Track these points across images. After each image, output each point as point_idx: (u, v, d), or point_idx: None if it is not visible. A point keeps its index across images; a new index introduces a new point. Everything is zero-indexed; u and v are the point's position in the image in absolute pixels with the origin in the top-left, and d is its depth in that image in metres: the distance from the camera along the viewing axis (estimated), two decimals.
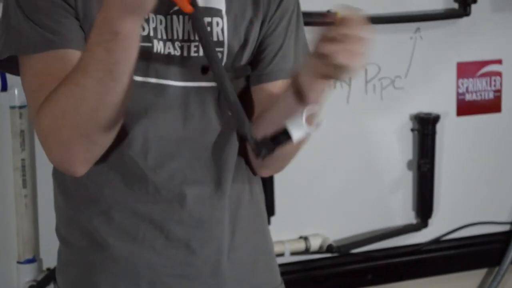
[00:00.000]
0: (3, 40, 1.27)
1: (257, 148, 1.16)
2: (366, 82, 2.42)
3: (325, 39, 1.17)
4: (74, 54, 1.24)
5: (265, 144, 1.16)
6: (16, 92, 1.96)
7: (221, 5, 1.34)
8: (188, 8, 1.16)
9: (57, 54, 1.24)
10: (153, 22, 1.30)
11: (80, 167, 1.24)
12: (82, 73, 1.17)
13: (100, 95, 1.17)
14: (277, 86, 1.36)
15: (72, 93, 1.18)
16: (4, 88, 1.95)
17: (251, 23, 1.36)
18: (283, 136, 1.16)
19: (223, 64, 1.33)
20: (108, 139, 1.23)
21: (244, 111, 1.28)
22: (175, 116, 1.30)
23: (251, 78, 1.39)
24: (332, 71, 1.19)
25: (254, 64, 1.39)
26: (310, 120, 1.17)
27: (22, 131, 1.99)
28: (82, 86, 1.17)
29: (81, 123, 1.19)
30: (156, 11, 1.29)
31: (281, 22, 1.38)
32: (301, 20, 1.43)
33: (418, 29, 2.45)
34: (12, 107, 1.99)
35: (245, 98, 1.39)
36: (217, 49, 1.32)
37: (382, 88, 2.44)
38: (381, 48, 2.40)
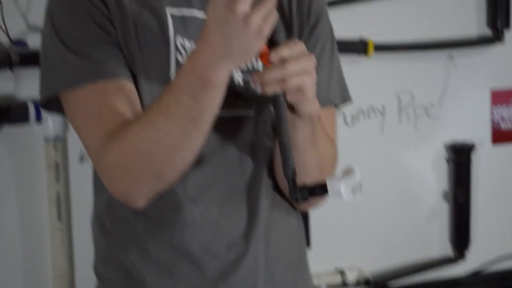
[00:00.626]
0: (48, 77, 1.25)
1: (292, 193, 1.17)
2: (400, 111, 2.39)
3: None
4: (125, 85, 1.22)
5: (302, 192, 1.17)
6: (50, 124, 1.95)
7: None
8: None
9: (109, 84, 1.22)
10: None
11: (143, 201, 1.22)
12: (162, 116, 1.15)
13: (179, 140, 1.15)
14: None
15: (147, 134, 1.16)
16: (39, 119, 1.95)
17: None
18: (320, 189, 1.17)
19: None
20: (177, 178, 1.21)
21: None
22: (213, 145, 1.27)
23: None
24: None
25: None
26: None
27: (56, 163, 1.98)
28: (161, 129, 1.15)
29: (154, 164, 1.17)
30: (191, 35, 1.28)
31: (314, 50, 1.35)
32: (336, 49, 1.41)
33: (451, 56, 2.43)
34: (47, 139, 1.98)
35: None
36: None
37: (416, 117, 2.42)
38: (414, 76, 2.40)
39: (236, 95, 1.30)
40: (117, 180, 1.21)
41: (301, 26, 1.35)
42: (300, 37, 1.35)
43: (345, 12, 2.25)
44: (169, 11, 1.28)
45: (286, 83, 1.12)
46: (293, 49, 1.12)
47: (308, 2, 1.38)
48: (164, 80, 1.25)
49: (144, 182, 1.20)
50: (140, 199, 1.22)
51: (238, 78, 1.30)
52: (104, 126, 1.20)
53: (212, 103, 1.14)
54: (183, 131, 1.14)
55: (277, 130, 1.16)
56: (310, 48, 1.34)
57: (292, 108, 1.17)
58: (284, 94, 1.15)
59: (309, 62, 1.13)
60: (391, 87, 2.38)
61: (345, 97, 1.41)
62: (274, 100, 1.16)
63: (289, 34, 1.34)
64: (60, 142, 1.99)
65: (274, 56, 1.11)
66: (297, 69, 1.12)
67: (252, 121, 1.31)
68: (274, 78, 1.11)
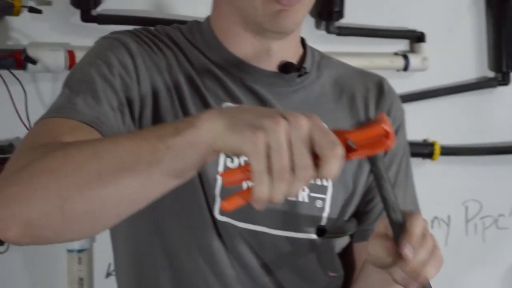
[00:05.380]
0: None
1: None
2: (467, 221, 2.15)
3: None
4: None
5: None
6: None
7: None
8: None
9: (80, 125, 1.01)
10: None
11: (15, 229, 0.88)
12: (110, 142, 0.89)
13: (125, 165, 0.86)
14: None
15: (92, 147, 0.89)
16: None
17: (360, 167, 1.19)
18: None
19: (325, 216, 1.14)
20: (79, 227, 0.90)
21: (344, 271, 1.19)
22: (262, 266, 1.13)
23: (354, 234, 1.22)
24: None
25: (358, 217, 1.21)
26: None
27: (80, 279, 1.74)
28: (109, 149, 0.87)
29: (76, 178, 0.86)
30: None
31: (390, 168, 1.22)
32: (411, 166, 1.26)
33: None
34: (70, 251, 1.75)
35: (345, 256, 1.22)
36: (319, 195, 1.15)
37: (484, 228, 2.18)
38: (483, 182, 2.18)
39: (297, 213, 1.13)
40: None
41: None
42: None
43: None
44: (225, 105, 1.14)
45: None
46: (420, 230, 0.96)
47: (388, 107, 1.23)
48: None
49: (38, 198, 0.86)
50: (14, 222, 0.87)
51: (304, 193, 1.14)
52: (40, 138, 0.96)
53: (182, 157, 0.85)
54: (134, 159, 0.86)
55: None
56: (386, 165, 1.21)
57: None
58: None
59: (435, 247, 0.98)
60: (457, 195, 2.15)
61: None
62: None
63: None
64: (85, 254, 1.74)
65: (407, 251, 0.94)
66: (428, 257, 0.97)
67: (314, 246, 1.14)
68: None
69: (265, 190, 0.79)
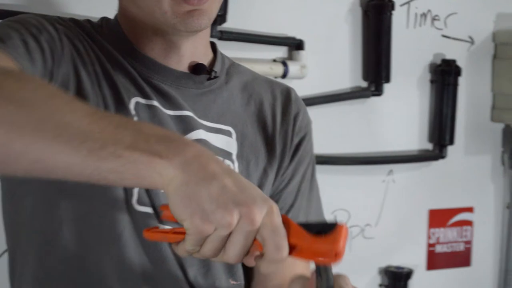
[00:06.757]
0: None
1: None
2: None
3: None
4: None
5: None
6: None
7: (232, 148, 1.18)
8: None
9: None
10: None
11: None
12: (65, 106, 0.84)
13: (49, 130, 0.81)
14: None
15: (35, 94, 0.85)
16: None
17: (265, 172, 1.20)
18: None
19: None
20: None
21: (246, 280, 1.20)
22: (182, 265, 1.13)
23: None
24: None
25: None
26: None
27: None
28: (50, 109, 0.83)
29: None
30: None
31: (295, 177, 1.24)
32: (316, 177, 1.30)
33: (391, 171, 2.22)
34: None
35: (244, 266, 1.22)
36: None
37: (352, 237, 2.17)
38: (352, 192, 2.17)
39: None
40: None
41: (284, 143, 1.23)
42: (282, 154, 1.22)
43: None
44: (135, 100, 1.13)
45: None
46: None
47: (295, 115, 1.25)
48: None
49: None
50: None
51: None
52: None
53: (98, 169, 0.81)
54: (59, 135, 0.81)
55: None
56: (291, 173, 1.22)
57: None
58: None
59: None
60: (327, 204, 2.10)
61: None
62: None
63: (271, 151, 1.21)
64: None
65: None
66: None
67: None
68: None
69: (190, 251, 0.83)
